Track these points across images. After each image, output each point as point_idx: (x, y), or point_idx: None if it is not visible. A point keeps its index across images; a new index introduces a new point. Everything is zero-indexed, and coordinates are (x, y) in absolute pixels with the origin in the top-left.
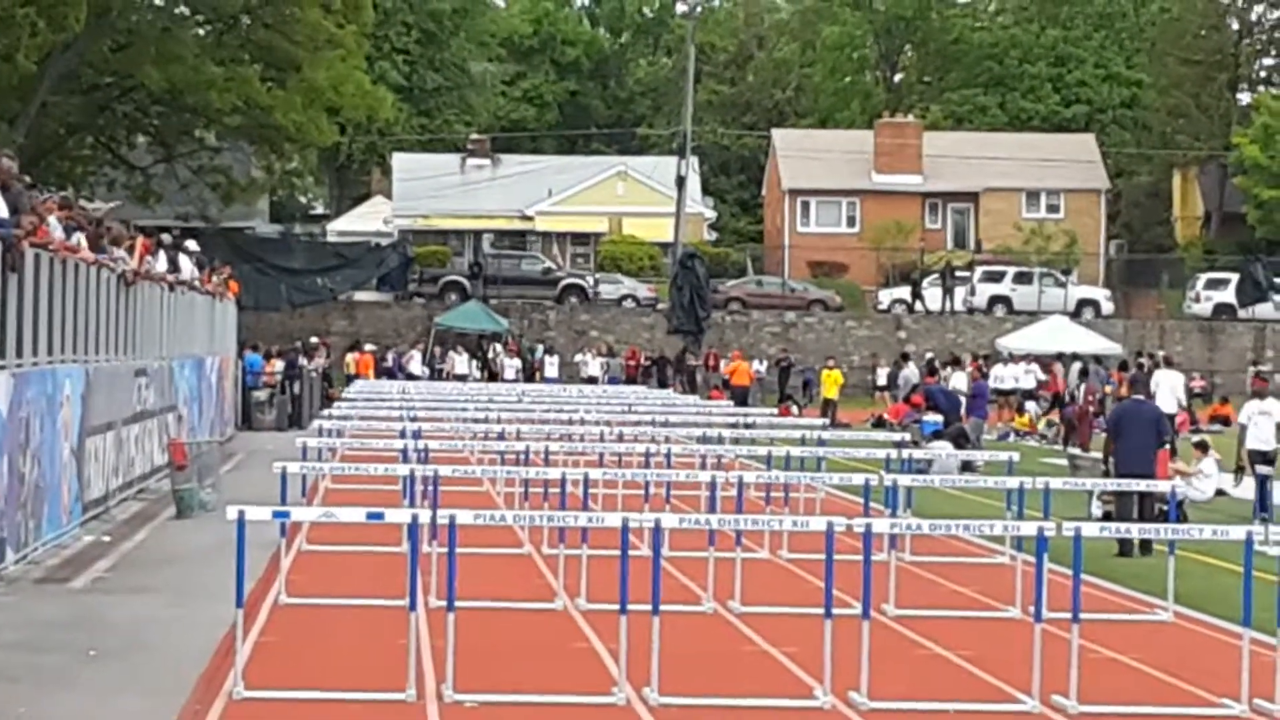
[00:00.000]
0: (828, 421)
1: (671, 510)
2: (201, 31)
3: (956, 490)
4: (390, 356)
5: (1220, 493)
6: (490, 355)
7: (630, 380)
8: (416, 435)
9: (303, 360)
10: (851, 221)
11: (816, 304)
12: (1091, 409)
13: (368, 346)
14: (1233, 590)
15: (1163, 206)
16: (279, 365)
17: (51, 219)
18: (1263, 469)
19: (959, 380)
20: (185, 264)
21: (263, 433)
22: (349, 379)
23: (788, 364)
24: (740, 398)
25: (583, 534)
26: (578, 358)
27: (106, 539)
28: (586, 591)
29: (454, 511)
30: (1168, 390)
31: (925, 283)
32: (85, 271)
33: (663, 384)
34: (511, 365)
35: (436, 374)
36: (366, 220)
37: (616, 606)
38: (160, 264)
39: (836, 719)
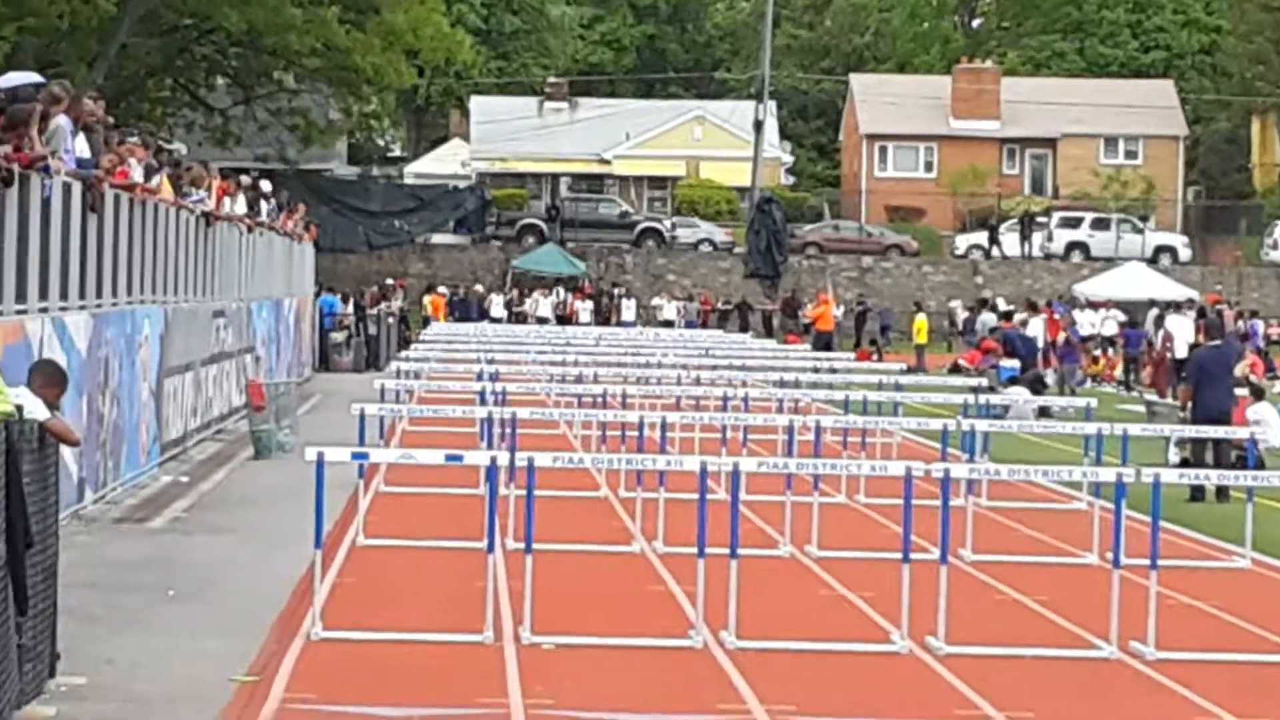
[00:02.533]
0: (913, 366)
1: (749, 454)
2: None
3: (1033, 436)
4: (470, 297)
5: None
6: (557, 300)
7: (703, 325)
8: (494, 378)
9: (381, 304)
10: (929, 167)
11: (893, 249)
12: (1168, 355)
13: (440, 288)
14: None
15: (1241, 153)
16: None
17: (132, 160)
18: None
19: (1035, 326)
20: (263, 206)
21: (340, 374)
22: (425, 321)
23: (865, 309)
24: (824, 343)
25: (660, 477)
26: (654, 301)
27: (184, 479)
28: (663, 535)
29: (532, 454)
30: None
31: (1003, 228)
32: (165, 213)
33: (744, 328)
34: (584, 308)
35: (516, 317)
36: (444, 163)
37: (694, 550)
38: (239, 206)
39: (913, 664)
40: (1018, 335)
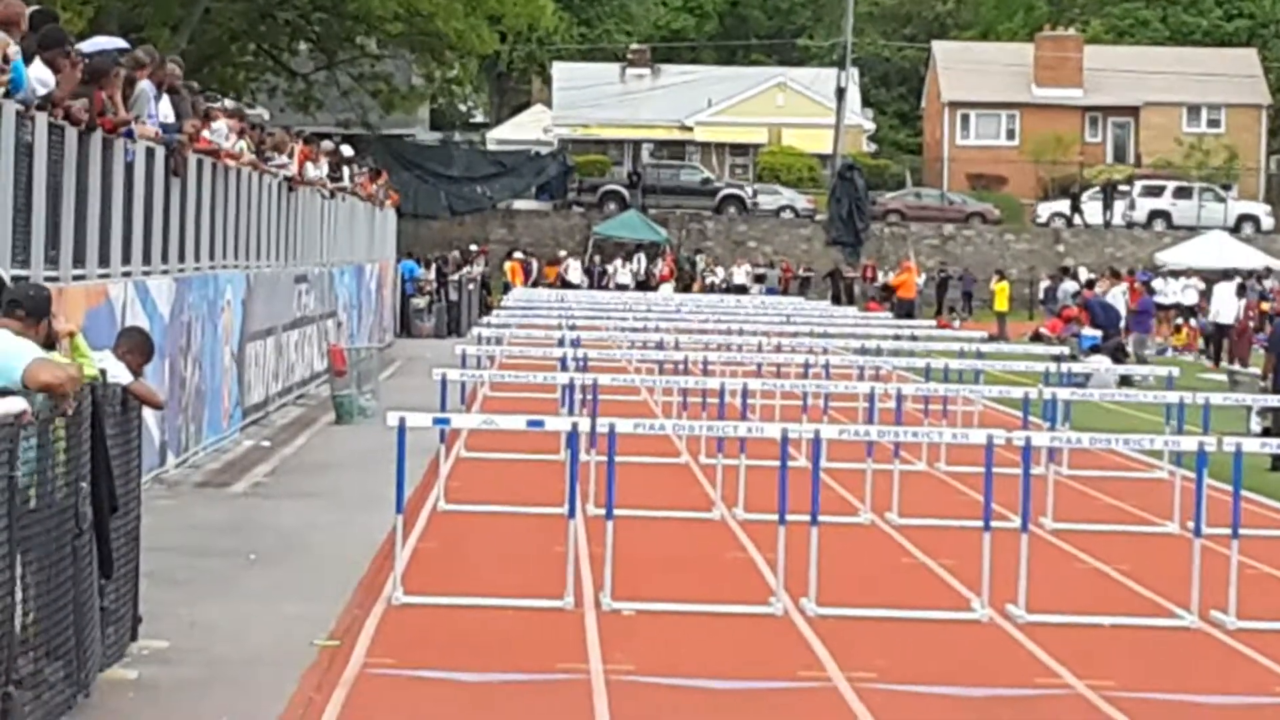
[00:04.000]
0: (995, 334)
1: (829, 421)
2: None
3: (1115, 405)
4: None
5: None
6: (636, 267)
7: (784, 291)
8: (575, 344)
9: (464, 269)
10: (1011, 134)
11: (975, 216)
12: (1251, 324)
13: (516, 254)
14: None
15: None
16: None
17: (217, 124)
18: None
19: (1116, 295)
20: (345, 171)
21: (421, 340)
22: (505, 287)
23: (946, 276)
24: (906, 310)
25: (741, 444)
26: (729, 269)
27: (266, 444)
28: (744, 502)
29: (613, 420)
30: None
31: (1085, 197)
32: (247, 177)
33: (836, 297)
34: (626, 270)
35: (597, 283)
36: (526, 129)
37: (774, 517)
38: (321, 170)
39: (994, 631)
40: (1099, 303)
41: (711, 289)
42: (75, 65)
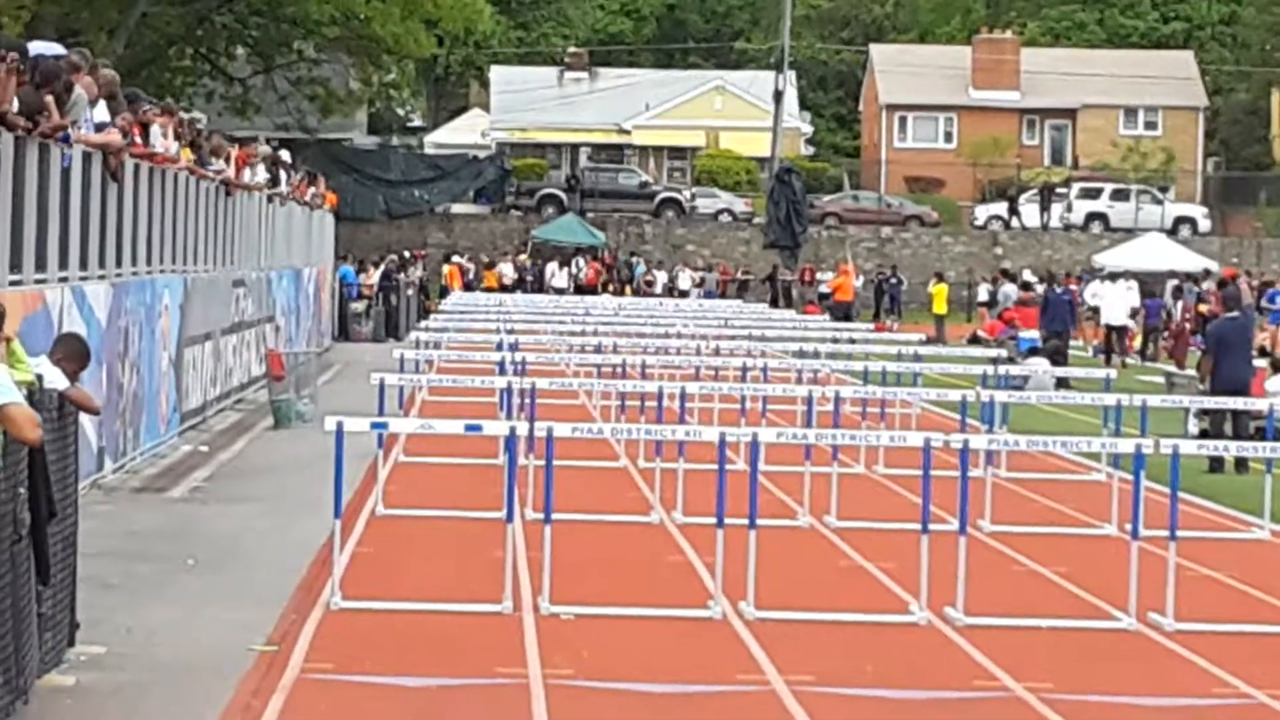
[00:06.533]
0: (933, 337)
1: (768, 425)
2: None
3: (1052, 407)
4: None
5: None
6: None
7: (722, 295)
8: (514, 348)
9: (401, 274)
10: (949, 137)
11: (913, 219)
12: (1188, 326)
13: (455, 258)
14: None
15: (1261, 124)
16: (375, 276)
17: (153, 129)
18: None
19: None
20: (282, 175)
21: (360, 344)
22: (444, 291)
23: (884, 279)
24: (844, 313)
25: (679, 448)
26: (672, 272)
27: (204, 449)
28: (683, 505)
29: (551, 424)
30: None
31: (1022, 199)
32: (185, 182)
33: (774, 299)
34: (561, 274)
35: (535, 287)
36: (464, 133)
37: (713, 520)
38: (259, 175)
39: (932, 634)
40: (1060, 299)
41: (644, 292)
42: (11, 72)
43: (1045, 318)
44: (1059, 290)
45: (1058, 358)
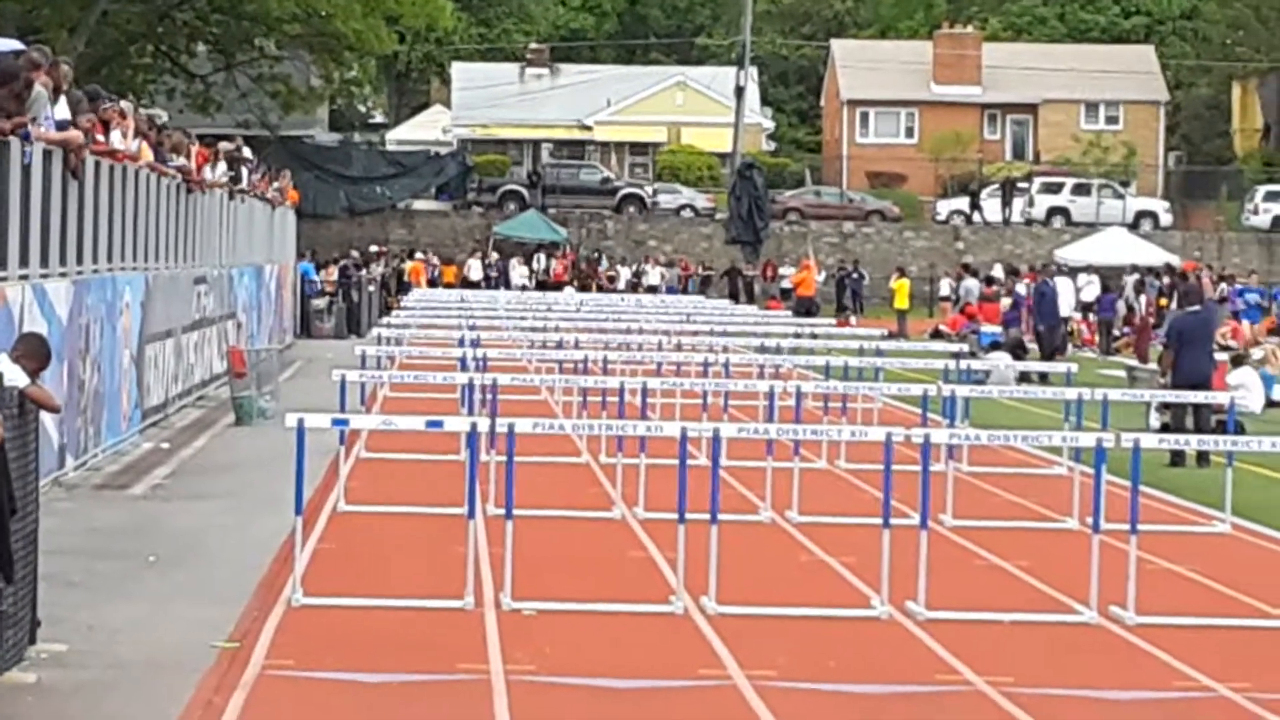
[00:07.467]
0: (895, 332)
1: (729, 420)
2: None
3: (1014, 401)
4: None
5: (1274, 404)
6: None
7: (683, 290)
8: (475, 344)
9: (363, 270)
10: (910, 132)
11: (874, 214)
12: (1152, 320)
13: (417, 255)
14: None
15: (1222, 118)
16: (335, 273)
17: (113, 127)
18: None
19: (1022, 290)
20: (244, 172)
21: (322, 340)
22: (406, 286)
23: (845, 274)
24: (806, 309)
25: (641, 443)
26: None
27: (165, 446)
28: (644, 500)
29: (513, 420)
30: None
31: (984, 194)
32: (145, 179)
33: (734, 294)
34: (519, 272)
35: (497, 283)
36: (425, 129)
37: (674, 516)
38: (220, 172)
39: (893, 629)
40: (1047, 291)
41: (606, 288)
42: None
43: (1039, 311)
44: (1050, 283)
45: (1019, 352)
